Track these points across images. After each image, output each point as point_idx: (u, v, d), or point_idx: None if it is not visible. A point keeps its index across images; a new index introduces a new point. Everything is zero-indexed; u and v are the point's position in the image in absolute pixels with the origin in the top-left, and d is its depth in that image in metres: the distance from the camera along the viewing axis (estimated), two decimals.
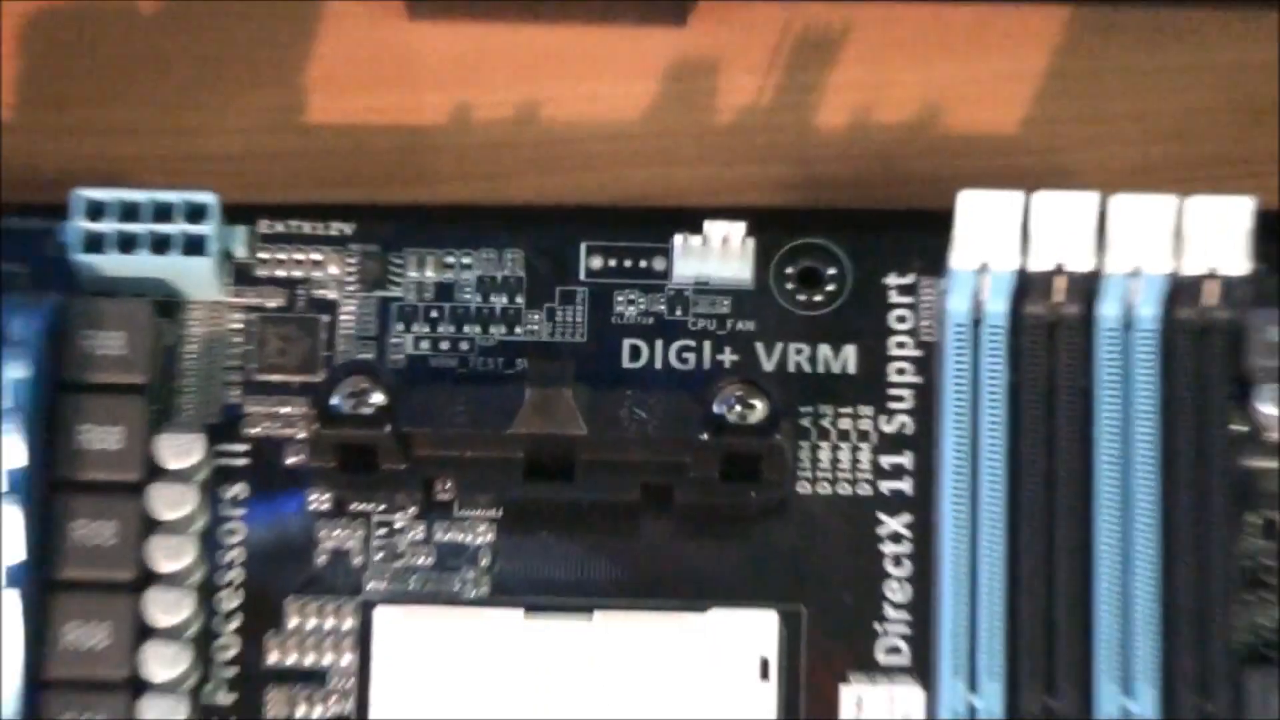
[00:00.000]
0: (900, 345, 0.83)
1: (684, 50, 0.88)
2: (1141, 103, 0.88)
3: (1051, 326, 0.81)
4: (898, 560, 0.81)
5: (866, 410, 0.82)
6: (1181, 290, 0.80)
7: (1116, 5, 0.88)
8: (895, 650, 0.81)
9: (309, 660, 0.80)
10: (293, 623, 0.81)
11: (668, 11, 0.88)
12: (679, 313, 0.83)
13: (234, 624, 0.80)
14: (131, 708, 0.79)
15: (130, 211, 0.81)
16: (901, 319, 0.83)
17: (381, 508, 0.82)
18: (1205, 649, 0.79)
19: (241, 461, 0.82)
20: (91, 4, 0.88)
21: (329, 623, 0.81)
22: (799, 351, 0.83)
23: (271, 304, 0.83)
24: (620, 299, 0.83)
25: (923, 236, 0.83)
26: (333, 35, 0.88)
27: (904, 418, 0.82)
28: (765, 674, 0.80)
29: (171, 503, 0.79)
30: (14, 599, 0.78)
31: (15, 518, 0.79)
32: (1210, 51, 0.88)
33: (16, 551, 0.79)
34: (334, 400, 0.79)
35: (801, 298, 0.83)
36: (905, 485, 0.82)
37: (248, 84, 0.88)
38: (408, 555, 0.81)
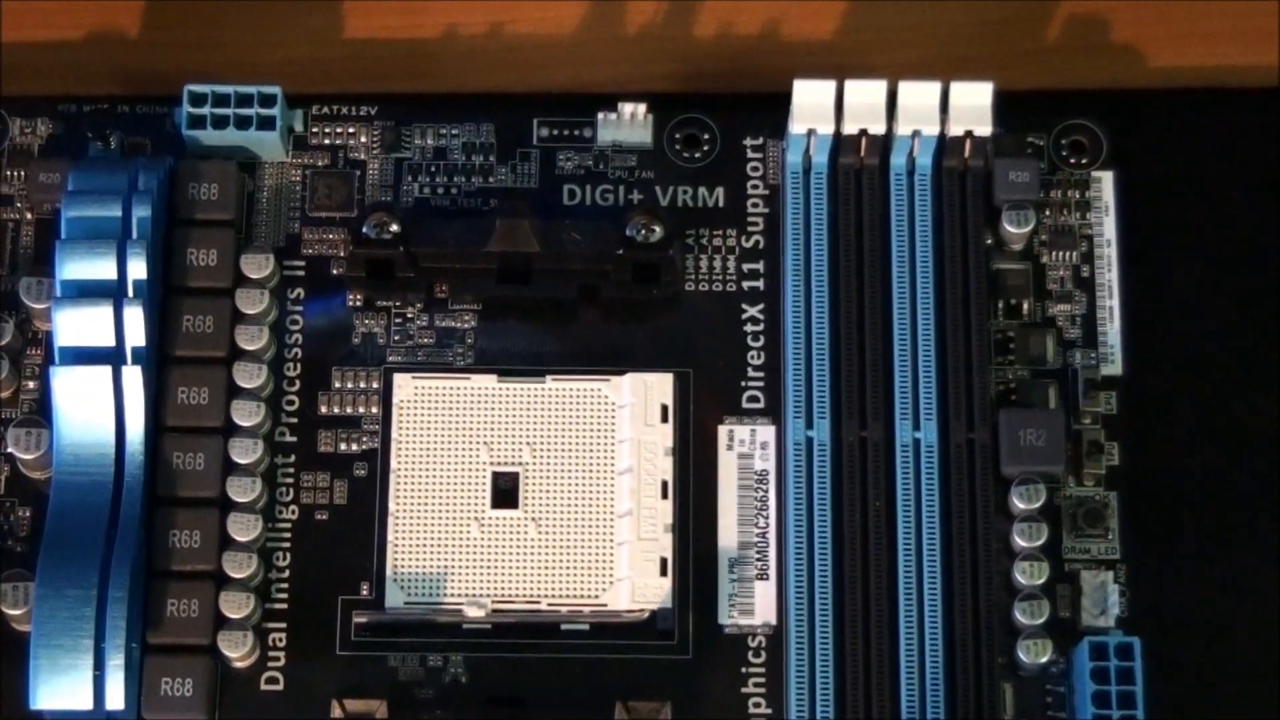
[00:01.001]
0: (754, 187, 0.85)
1: None
2: (922, 19, 0.89)
3: (858, 174, 0.83)
4: (756, 336, 0.83)
5: (731, 232, 0.84)
6: (947, 147, 0.83)
7: None
8: (755, 399, 0.83)
9: (348, 410, 0.83)
10: (336, 384, 0.83)
11: None
12: (601, 167, 0.85)
13: (295, 385, 0.83)
14: (225, 447, 0.81)
15: (221, 99, 0.83)
16: (755, 168, 0.85)
17: (397, 304, 0.83)
18: (970, 394, 0.81)
19: (300, 272, 0.84)
20: None
21: (361, 384, 0.83)
22: (684, 192, 0.85)
23: (320, 163, 0.85)
24: (560, 158, 0.85)
25: (770, 112, 0.84)
26: None
27: (757, 236, 0.84)
28: (665, 418, 0.82)
29: (252, 301, 0.82)
30: (135, 374, 0.80)
31: (137, 314, 0.80)
32: None
33: (138, 337, 0.80)
34: (364, 229, 0.82)
35: (685, 154, 0.85)
36: (760, 284, 0.83)
37: (301, 12, 0.89)
38: (416, 337, 0.83)
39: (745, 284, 0.84)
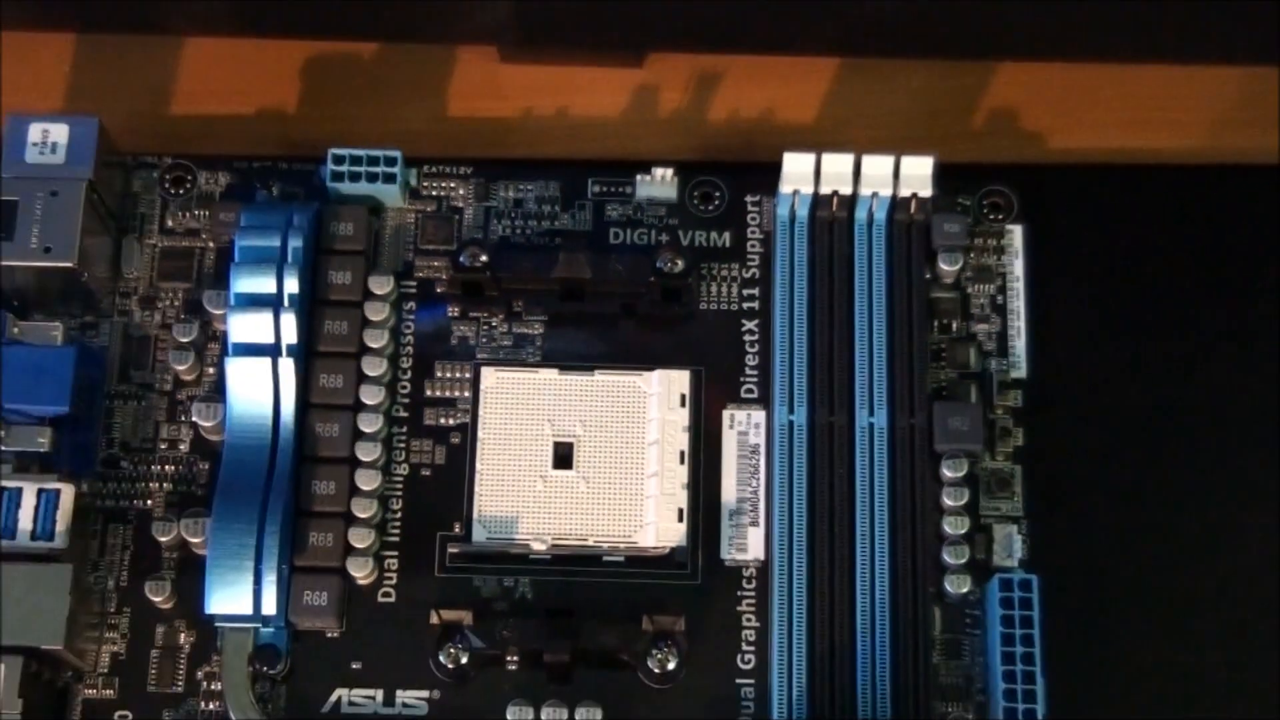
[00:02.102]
0: (753, 233, 0.84)
1: (642, 79, 0.89)
2: (880, 108, 0.88)
3: (831, 224, 0.83)
4: (752, 344, 0.83)
5: (735, 266, 0.84)
6: (898, 205, 0.82)
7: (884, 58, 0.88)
8: (750, 390, 0.82)
9: (447, 394, 0.82)
10: (438, 374, 0.82)
11: (633, 61, 0.89)
12: (638, 215, 0.84)
13: (408, 374, 0.82)
14: (355, 420, 0.80)
15: (356, 160, 0.82)
16: (754, 218, 0.84)
17: (485, 315, 0.83)
18: (912, 389, 0.81)
19: (413, 290, 0.83)
20: (327, 45, 0.88)
21: (457, 375, 0.82)
22: (700, 235, 0.84)
23: (429, 209, 0.84)
24: (608, 208, 0.84)
25: (766, 176, 0.83)
26: (452, 72, 0.89)
27: (755, 269, 0.84)
28: (683, 404, 0.81)
29: (376, 311, 0.81)
30: (289, 364, 0.80)
31: (291, 319, 0.79)
32: (914, 93, 0.89)
33: (291, 337, 0.80)
34: (460, 259, 0.81)
35: (701, 207, 0.85)
36: (755, 304, 0.83)
37: (417, 96, 0.88)
38: (498, 340, 0.83)
39: (745, 304, 0.84)
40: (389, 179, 0.83)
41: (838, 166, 0.82)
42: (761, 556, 0.81)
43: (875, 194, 0.83)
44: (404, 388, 0.83)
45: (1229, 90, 0.88)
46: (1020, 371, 0.83)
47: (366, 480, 0.80)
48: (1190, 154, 0.87)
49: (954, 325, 0.84)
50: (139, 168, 0.85)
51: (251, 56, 0.89)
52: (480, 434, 0.82)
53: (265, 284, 0.80)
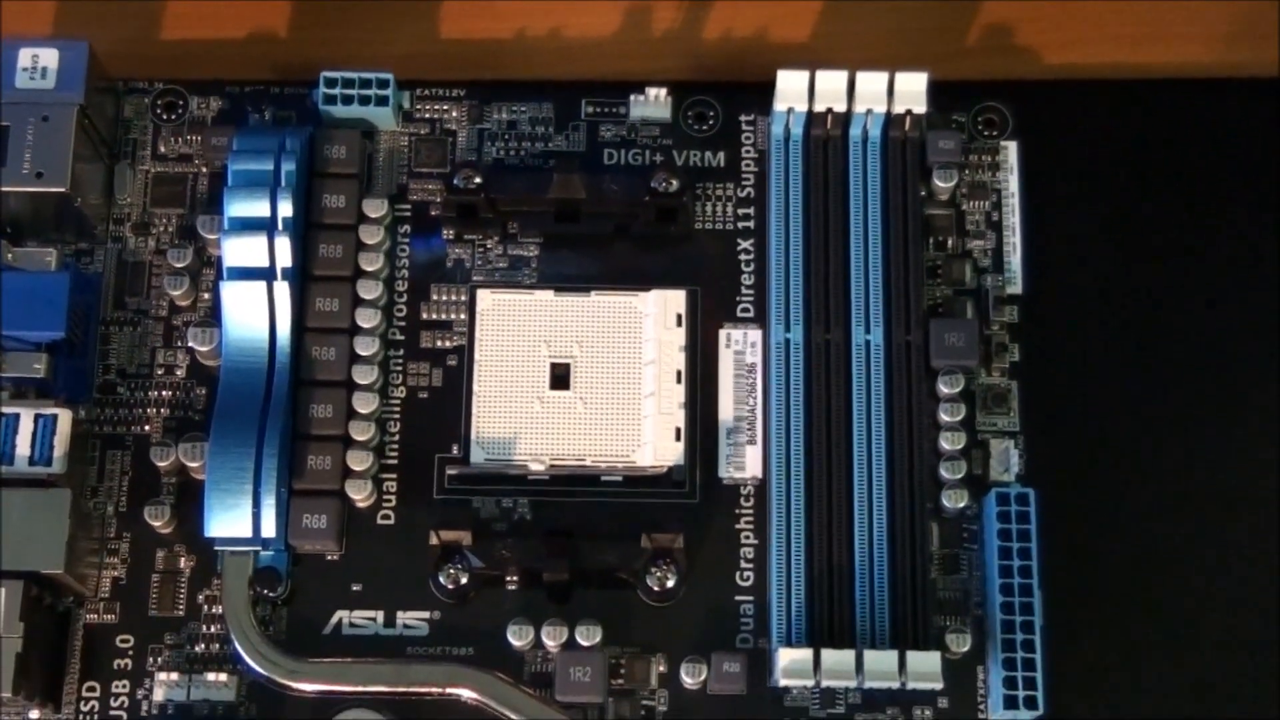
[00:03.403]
0: (747, 152, 0.84)
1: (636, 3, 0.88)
2: (875, 25, 0.88)
3: (825, 142, 0.83)
4: (747, 263, 0.83)
5: (730, 185, 0.84)
6: (892, 122, 0.82)
7: None
8: (746, 309, 0.82)
9: (443, 316, 0.82)
10: (434, 297, 0.82)
11: None
12: (633, 136, 0.84)
13: (404, 298, 0.82)
14: (351, 343, 0.80)
15: (348, 83, 0.82)
16: (748, 138, 0.84)
17: (479, 237, 0.83)
18: (908, 306, 0.81)
19: (407, 213, 0.83)
20: None
21: (453, 298, 0.82)
22: (694, 155, 0.84)
23: (422, 132, 0.84)
24: (602, 129, 0.84)
25: (760, 95, 0.83)
26: None
27: (749, 189, 0.84)
28: (679, 323, 0.82)
29: (371, 234, 0.81)
30: (284, 288, 0.79)
31: (285, 243, 0.79)
32: (908, 11, 0.88)
33: (286, 260, 0.79)
34: (455, 181, 0.81)
35: (696, 127, 0.84)
36: (751, 224, 0.83)
37: (408, 18, 0.88)
38: (494, 262, 0.83)
39: (740, 224, 0.84)
40: (381, 101, 0.83)
41: (832, 84, 0.82)
42: (759, 474, 0.81)
43: (869, 111, 0.82)
44: (400, 311, 0.83)
45: (1224, 4, 0.88)
46: (1016, 287, 0.83)
47: (364, 403, 0.80)
48: (1185, 69, 0.87)
49: (949, 242, 0.84)
50: (130, 93, 0.85)
51: None
52: (477, 356, 0.82)
53: (259, 208, 0.80)
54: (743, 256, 0.84)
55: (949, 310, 0.83)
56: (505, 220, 0.83)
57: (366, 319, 0.81)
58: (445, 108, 0.85)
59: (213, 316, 0.82)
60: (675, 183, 0.82)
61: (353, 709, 0.77)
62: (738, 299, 0.83)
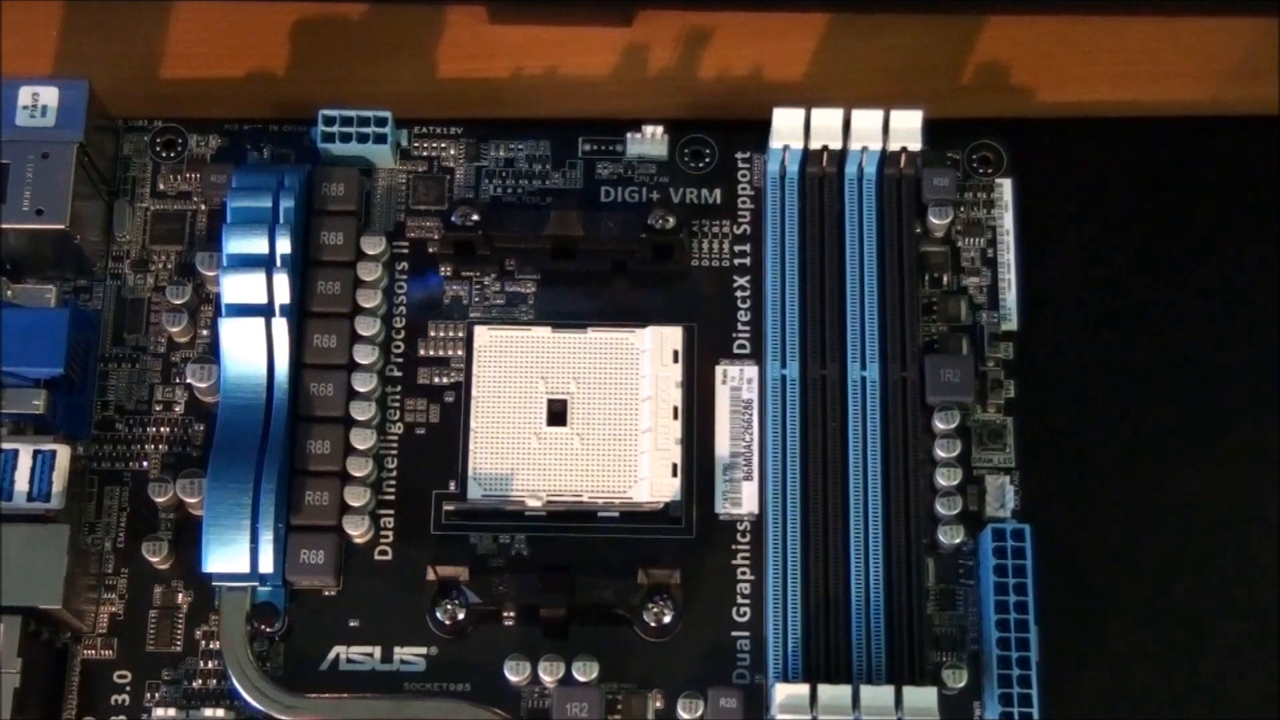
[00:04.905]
0: (743, 189, 0.84)
1: (631, 37, 0.88)
2: (871, 64, 0.88)
3: (821, 180, 0.83)
4: (744, 299, 0.83)
5: (726, 222, 0.84)
6: (888, 160, 0.82)
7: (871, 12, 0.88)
8: (743, 346, 0.82)
9: (442, 352, 0.82)
10: (431, 334, 0.82)
11: (622, 19, 0.88)
12: (629, 173, 0.84)
13: (401, 334, 0.82)
14: (349, 379, 0.80)
15: (346, 120, 0.82)
16: (744, 175, 0.84)
17: (477, 274, 0.83)
18: (904, 343, 0.81)
19: (405, 250, 0.83)
20: (316, 7, 0.88)
21: (452, 334, 0.82)
22: (691, 192, 0.84)
23: (420, 169, 0.84)
24: (599, 166, 0.84)
25: (756, 133, 0.83)
26: (442, 32, 0.88)
27: (745, 226, 0.84)
28: (676, 360, 0.81)
29: (369, 271, 0.81)
30: (282, 324, 0.79)
31: (284, 280, 0.79)
32: (903, 49, 0.88)
33: (284, 297, 0.79)
34: (452, 218, 0.81)
35: (692, 165, 0.84)
36: (747, 260, 0.83)
37: (407, 56, 0.88)
38: (491, 299, 0.83)
39: (736, 261, 0.84)
40: (380, 140, 0.83)
41: (827, 121, 0.82)
42: (755, 510, 0.81)
43: (865, 148, 0.83)
44: (397, 347, 0.83)
45: (1217, 43, 0.88)
46: (1011, 324, 0.83)
47: (361, 439, 0.80)
48: (1182, 106, 0.87)
49: (945, 279, 0.84)
50: (130, 131, 0.85)
51: (241, 19, 0.88)
52: (474, 392, 0.82)
53: (258, 245, 0.80)
54: (739, 293, 0.84)
55: (944, 346, 0.83)
56: (502, 257, 0.83)
57: (364, 355, 0.81)
58: (443, 145, 0.85)
59: (211, 353, 0.82)
60: (672, 220, 0.82)
61: None
62: (734, 335, 0.83)
